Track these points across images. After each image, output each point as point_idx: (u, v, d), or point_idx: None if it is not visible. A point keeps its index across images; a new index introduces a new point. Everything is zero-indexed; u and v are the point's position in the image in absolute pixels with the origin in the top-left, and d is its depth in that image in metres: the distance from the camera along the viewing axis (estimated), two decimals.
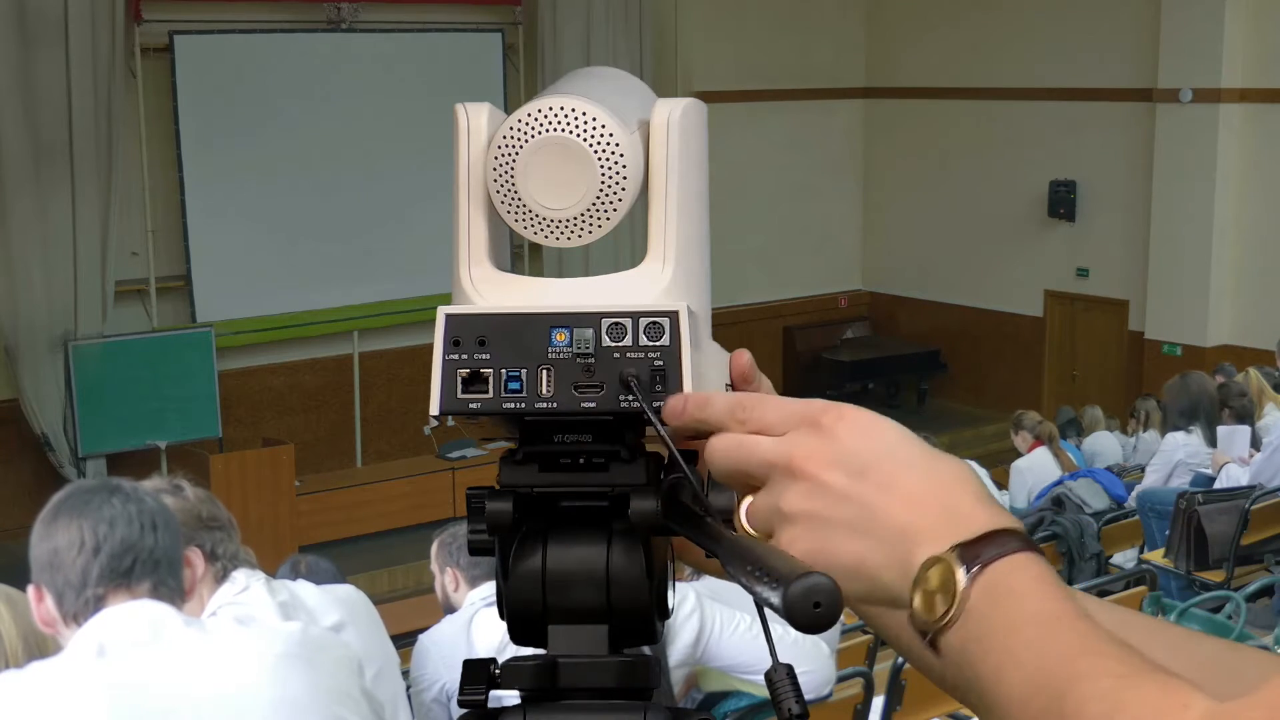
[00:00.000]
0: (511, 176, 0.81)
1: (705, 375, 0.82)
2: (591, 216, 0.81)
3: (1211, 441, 7.49)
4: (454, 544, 3.64)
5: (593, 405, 0.80)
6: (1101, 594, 5.45)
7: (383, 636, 2.81)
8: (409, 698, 3.27)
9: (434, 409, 0.80)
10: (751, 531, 0.79)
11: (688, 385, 0.80)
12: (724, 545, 0.74)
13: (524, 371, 0.80)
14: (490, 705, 0.84)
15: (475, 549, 0.84)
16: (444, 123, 0.85)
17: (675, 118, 0.83)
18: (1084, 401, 12.11)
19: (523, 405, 0.80)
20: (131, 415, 11.19)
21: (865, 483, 0.75)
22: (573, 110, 0.81)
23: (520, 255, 10.27)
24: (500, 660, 0.84)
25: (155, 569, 1.99)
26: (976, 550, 0.72)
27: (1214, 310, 13.43)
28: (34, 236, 10.98)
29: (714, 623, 3.35)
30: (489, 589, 3.35)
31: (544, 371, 0.80)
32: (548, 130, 0.81)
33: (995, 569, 0.71)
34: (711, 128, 0.87)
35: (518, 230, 0.83)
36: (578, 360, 0.80)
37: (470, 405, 0.80)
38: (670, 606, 0.87)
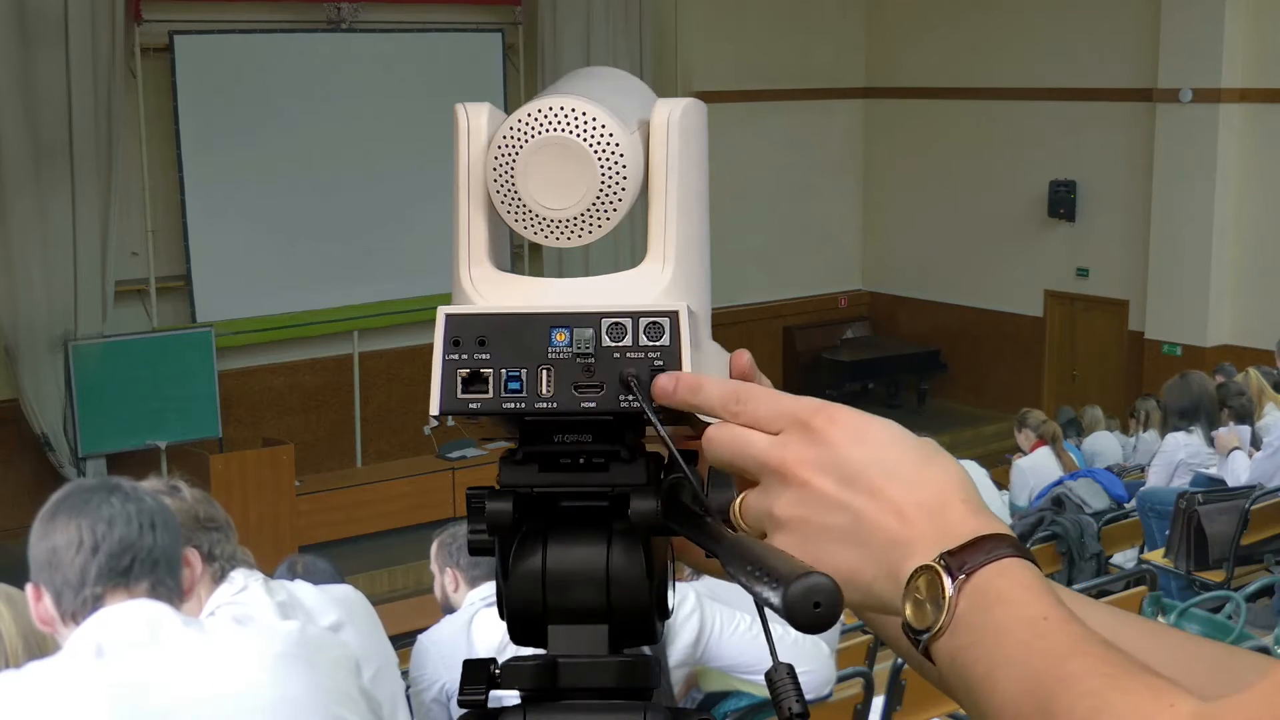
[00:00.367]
0: (511, 176, 0.81)
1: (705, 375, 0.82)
2: (591, 216, 0.81)
3: (1211, 442, 7.49)
4: (454, 544, 3.64)
5: (593, 405, 0.80)
6: (1101, 594, 5.46)
7: (381, 636, 2.80)
8: (408, 698, 3.27)
9: (434, 409, 0.80)
10: (744, 526, 0.79)
11: None
12: (724, 545, 0.74)
13: (524, 371, 0.80)
14: (490, 705, 0.84)
15: (475, 549, 0.84)
16: (444, 123, 0.85)
17: (675, 118, 0.83)
18: (1084, 401, 12.12)
19: (523, 405, 0.80)
20: (131, 415, 11.19)
21: (855, 491, 0.76)
22: (573, 110, 0.81)
23: (520, 255, 10.27)
24: (500, 660, 0.84)
25: (154, 569, 1.99)
26: (963, 558, 0.72)
27: (1214, 310, 13.43)
28: (34, 236, 10.98)
29: (714, 623, 3.35)
30: (489, 589, 3.35)
31: (544, 371, 0.80)
32: (548, 130, 0.81)
33: (982, 575, 0.72)
34: (711, 128, 0.87)
35: (518, 230, 0.83)
36: (578, 360, 0.80)
37: (470, 405, 0.80)
38: (670, 606, 0.87)
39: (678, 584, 0.98)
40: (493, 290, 0.83)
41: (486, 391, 0.80)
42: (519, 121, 0.81)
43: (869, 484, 0.76)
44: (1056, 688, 0.66)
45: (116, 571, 1.96)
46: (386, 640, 2.83)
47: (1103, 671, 0.66)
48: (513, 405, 0.80)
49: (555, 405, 0.80)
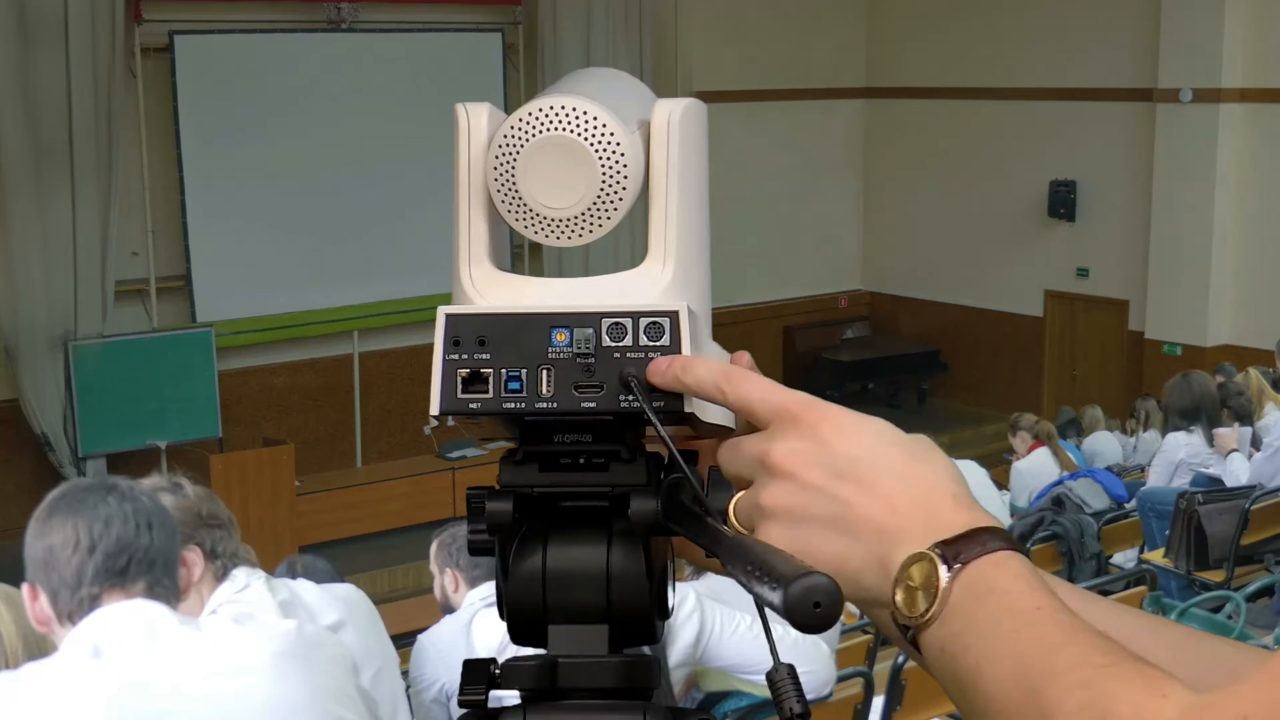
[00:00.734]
0: (512, 176, 0.81)
1: None
2: (592, 216, 0.81)
3: (1212, 442, 7.49)
4: (454, 544, 3.63)
5: (593, 405, 0.79)
6: (1101, 594, 5.44)
7: (382, 636, 2.80)
8: (408, 698, 3.27)
9: (434, 409, 0.80)
10: (738, 526, 0.79)
11: None
12: (724, 545, 0.74)
13: (524, 371, 0.80)
14: (490, 705, 0.84)
15: (475, 549, 0.84)
16: (444, 123, 0.85)
17: (675, 118, 0.83)
18: (1084, 401, 12.12)
19: (523, 405, 0.80)
20: (131, 415, 11.19)
21: (844, 482, 0.76)
22: (573, 109, 0.81)
23: (520, 255, 10.27)
24: (500, 660, 0.84)
25: (150, 568, 1.98)
26: (958, 548, 0.72)
27: (1214, 310, 13.43)
28: (34, 236, 10.98)
29: (714, 623, 3.35)
30: (489, 589, 3.35)
31: (544, 371, 0.80)
32: (548, 130, 0.81)
33: (976, 566, 0.72)
34: (711, 128, 0.87)
35: (518, 230, 0.83)
36: (578, 360, 0.80)
37: (470, 405, 0.80)
38: (670, 606, 0.87)
39: (678, 584, 0.98)
40: (493, 290, 0.83)
41: (486, 391, 0.80)
42: (519, 121, 0.81)
43: (859, 477, 0.76)
44: (1048, 677, 0.66)
45: (113, 571, 1.95)
46: (388, 640, 2.83)
47: (1095, 661, 0.66)
48: (513, 405, 0.80)
49: (555, 405, 0.80)
